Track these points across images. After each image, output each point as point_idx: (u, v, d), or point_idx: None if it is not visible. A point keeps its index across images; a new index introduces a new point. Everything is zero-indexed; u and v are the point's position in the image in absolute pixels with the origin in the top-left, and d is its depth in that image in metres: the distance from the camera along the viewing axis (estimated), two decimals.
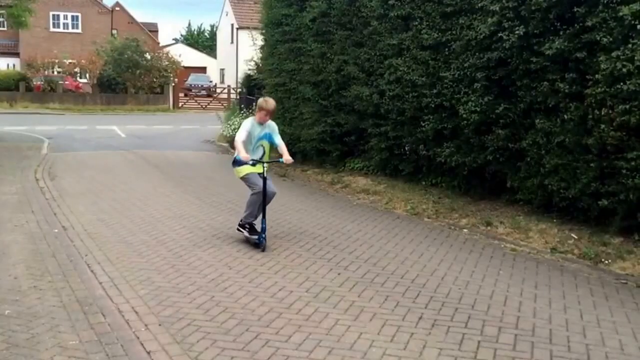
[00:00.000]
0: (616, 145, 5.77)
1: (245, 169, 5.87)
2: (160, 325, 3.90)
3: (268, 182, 5.82)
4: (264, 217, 5.75)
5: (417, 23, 8.18)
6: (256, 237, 5.76)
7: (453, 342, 3.73)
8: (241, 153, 5.61)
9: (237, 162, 5.88)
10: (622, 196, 5.69)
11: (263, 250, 5.58)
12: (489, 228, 6.75)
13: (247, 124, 5.89)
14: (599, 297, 4.63)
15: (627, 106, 5.53)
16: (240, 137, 5.76)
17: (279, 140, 6.03)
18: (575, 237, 6.08)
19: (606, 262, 5.48)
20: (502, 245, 6.16)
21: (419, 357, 3.52)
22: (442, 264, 5.42)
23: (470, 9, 7.34)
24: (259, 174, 5.84)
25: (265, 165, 5.82)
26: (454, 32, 7.62)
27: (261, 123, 5.90)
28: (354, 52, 9.47)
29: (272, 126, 6.03)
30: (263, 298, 4.43)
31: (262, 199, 5.76)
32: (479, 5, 7.08)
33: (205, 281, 4.79)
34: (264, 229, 5.71)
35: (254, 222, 5.93)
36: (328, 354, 3.52)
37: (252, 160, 5.70)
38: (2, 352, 3.43)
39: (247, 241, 5.94)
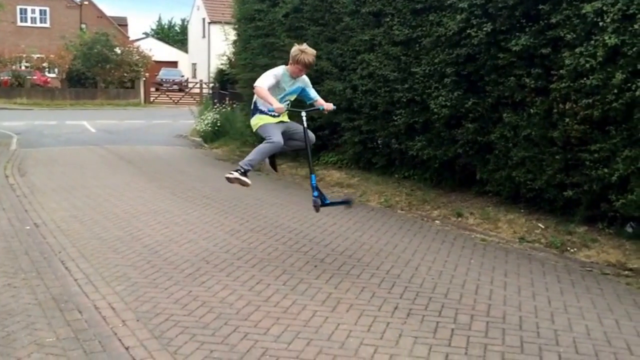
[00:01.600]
0: (580, 138, 5.98)
1: (265, 119, 5.10)
2: (137, 320, 3.91)
3: (307, 131, 5.18)
4: (312, 172, 5.16)
5: (388, 19, 8.28)
6: (247, 180, 5.26)
7: (428, 331, 3.85)
8: (270, 100, 4.79)
9: (258, 110, 5.13)
10: (586, 187, 5.91)
11: (317, 211, 5.22)
12: (459, 219, 6.92)
13: (278, 70, 5.01)
14: (565, 284, 4.81)
15: (590, 100, 5.73)
16: (264, 82, 4.88)
17: (314, 94, 5.29)
18: (542, 226, 6.28)
19: (572, 250, 5.69)
20: (473, 236, 6.33)
21: (395, 345, 3.63)
22: (415, 254, 5.55)
23: (439, 6, 7.47)
24: (281, 122, 5.14)
25: (304, 113, 5.11)
26: (424, 28, 7.74)
27: (294, 77, 5.07)
28: (326, 47, 9.52)
29: (305, 80, 5.22)
30: (241, 291, 4.48)
31: (307, 149, 5.11)
32: (448, 2, 7.22)
33: (182, 276, 4.81)
34: (315, 187, 5.10)
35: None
36: (306, 345, 3.60)
37: (274, 111, 4.91)
38: None
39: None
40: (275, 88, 4.98)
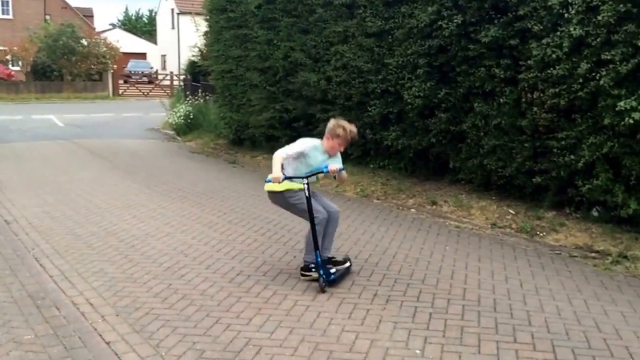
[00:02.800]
0: (547, 126, 6.16)
1: (285, 184, 4.41)
2: (117, 315, 3.91)
3: (323, 200, 4.63)
4: (317, 248, 4.43)
5: (361, 11, 8.33)
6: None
7: (406, 316, 3.95)
8: (275, 167, 4.24)
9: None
10: (554, 173, 6.10)
11: (323, 291, 4.32)
12: (434, 207, 7.06)
13: (306, 145, 4.43)
14: (536, 268, 4.98)
15: (557, 90, 5.91)
16: (283, 151, 4.35)
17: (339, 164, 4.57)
18: (513, 212, 6.47)
19: (541, 234, 5.88)
20: (447, 223, 6.47)
21: (376, 331, 3.72)
22: (392, 242, 5.65)
23: None
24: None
25: (305, 181, 4.36)
26: (396, 20, 7.82)
27: (330, 153, 4.51)
28: (300, 39, 9.53)
29: (339, 156, 4.61)
30: (221, 283, 4.51)
31: (311, 221, 4.41)
32: None
33: (161, 270, 4.81)
34: (320, 264, 4.39)
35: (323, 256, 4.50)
36: (289, 334, 3.66)
37: (285, 177, 4.33)
38: None
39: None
40: (302, 160, 4.42)
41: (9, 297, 4.19)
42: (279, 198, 4.55)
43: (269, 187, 4.49)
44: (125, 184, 8.54)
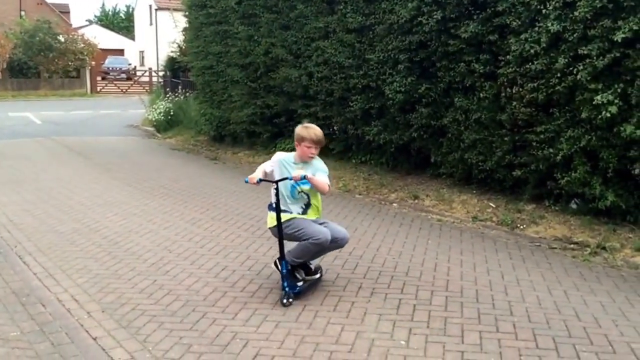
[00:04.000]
0: (526, 120, 6.27)
1: (270, 219, 4.20)
2: (103, 311, 3.90)
3: (332, 225, 4.27)
4: (283, 257, 4.11)
5: (341, 7, 8.36)
6: (317, 275, 4.38)
7: (391, 308, 4.01)
8: (255, 173, 4.12)
9: (272, 207, 4.15)
10: (533, 166, 6.21)
11: (288, 305, 4.01)
12: (416, 201, 7.15)
13: (274, 159, 4.22)
14: (516, 260, 5.08)
15: (535, 84, 6.01)
16: (257, 172, 4.17)
17: (323, 177, 4.11)
18: (493, 205, 6.58)
19: (521, 227, 5.99)
20: (429, 217, 6.55)
21: (361, 323, 3.76)
22: (375, 236, 5.71)
23: None
24: (285, 178, 4.09)
25: (275, 186, 4.08)
26: (377, 16, 7.87)
27: (304, 161, 4.14)
28: (281, 34, 9.53)
29: (319, 165, 4.17)
30: (206, 279, 4.51)
31: (278, 226, 4.07)
32: None
33: (145, 266, 4.80)
34: (286, 275, 4.07)
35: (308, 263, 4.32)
36: (275, 327, 3.68)
37: (261, 179, 4.08)
38: None
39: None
40: (281, 182, 4.10)
41: None
42: (280, 231, 4.09)
43: (268, 223, 4.24)
44: (105, 181, 8.46)
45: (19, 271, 4.65)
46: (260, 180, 4.07)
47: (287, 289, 4.06)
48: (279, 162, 4.18)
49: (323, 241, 4.05)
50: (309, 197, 4.19)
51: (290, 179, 4.04)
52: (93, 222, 6.13)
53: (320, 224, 4.20)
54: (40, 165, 9.88)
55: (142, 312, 3.89)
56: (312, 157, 4.14)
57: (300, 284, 4.21)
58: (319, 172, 4.12)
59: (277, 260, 4.21)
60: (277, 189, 4.09)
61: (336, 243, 4.22)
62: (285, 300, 4.02)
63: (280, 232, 4.08)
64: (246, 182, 4.10)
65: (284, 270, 4.07)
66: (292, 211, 4.16)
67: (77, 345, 3.42)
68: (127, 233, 5.74)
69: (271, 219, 4.15)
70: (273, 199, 4.10)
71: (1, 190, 7.73)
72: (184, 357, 3.30)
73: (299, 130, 4.14)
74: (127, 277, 4.55)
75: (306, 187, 4.13)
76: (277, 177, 4.12)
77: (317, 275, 4.41)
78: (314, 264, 4.42)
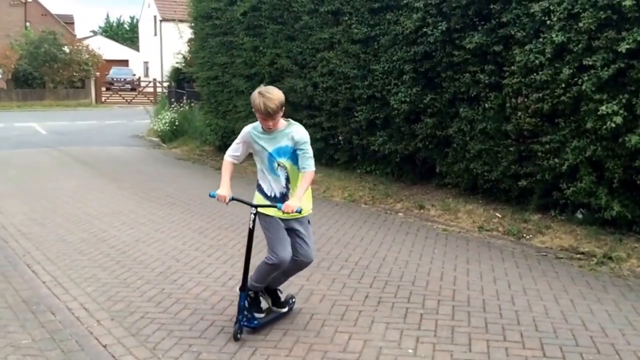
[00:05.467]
0: (532, 130, 6.31)
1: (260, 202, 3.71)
2: (112, 319, 3.92)
3: (304, 242, 3.73)
4: (244, 288, 3.65)
5: (347, 18, 8.45)
6: (284, 309, 3.93)
7: (398, 316, 4.02)
8: (222, 179, 3.67)
9: (257, 186, 3.78)
10: (539, 176, 6.24)
11: (236, 339, 3.57)
12: (421, 211, 7.16)
13: (243, 132, 3.68)
14: (523, 269, 5.09)
15: (540, 94, 6.05)
16: (229, 152, 3.76)
17: (302, 161, 3.55)
18: (499, 215, 6.59)
19: (527, 237, 6.00)
20: (435, 227, 6.57)
21: (369, 331, 3.78)
22: (382, 246, 5.73)
23: (396, 5, 7.70)
24: (272, 205, 3.61)
25: (254, 211, 3.61)
26: (382, 27, 7.96)
27: (269, 133, 3.56)
28: (286, 45, 9.61)
29: (295, 136, 3.55)
30: (214, 287, 4.53)
31: (247, 253, 3.67)
32: (404, 1, 7.46)
33: (153, 275, 4.83)
34: (241, 307, 3.60)
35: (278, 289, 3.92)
36: (283, 335, 3.70)
37: (234, 198, 3.63)
38: None
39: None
40: (257, 156, 3.68)
41: (3, 302, 4.17)
42: (250, 238, 3.69)
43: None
44: (112, 191, 8.51)
45: (28, 280, 4.68)
46: (233, 199, 3.62)
47: (242, 321, 3.58)
48: (249, 136, 3.64)
49: (275, 263, 3.56)
50: (286, 173, 3.65)
51: (280, 208, 3.48)
52: (101, 232, 6.17)
53: (297, 232, 3.67)
54: (47, 175, 9.95)
55: (151, 320, 3.92)
56: (273, 129, 3.52)
57: (261, 316, 3.73)
58: (303, 149, 3.52)
59: (259, 282, 3.74)
60: (261, 189, 3.70)
61: (295, 263, 3.72)
62: (238, 335, 3.56)
63: (251, 239, 3.62)
64: (212, 196, 3.62)
65: (242, 303, 3.57)
66: (275, 194, 3.65)
67: (87, 352, 3.44)
68: (135, 242, 5.77)
69: (257, 202, 3.72)
70: (283, 182, 3.66)
71: (9, 200, 7.78)
72: None
73: (252, 96, 3.46)
74: (136, 285, 4.57)
75: (286, 161, 3.60)
76: (257, 146, 3.60)
77: (284, 309, 3.90)
78: (285, 293, 3.99)
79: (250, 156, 3.81)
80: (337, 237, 6.01)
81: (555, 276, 4.92)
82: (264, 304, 3.86)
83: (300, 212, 3.51)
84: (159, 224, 6.55)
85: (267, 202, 3.67)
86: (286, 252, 3.60)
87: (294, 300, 4.09)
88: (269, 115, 3.44)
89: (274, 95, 3.43)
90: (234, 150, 3.75)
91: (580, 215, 6.09)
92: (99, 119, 22.54)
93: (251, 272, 3.72)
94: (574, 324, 3.92)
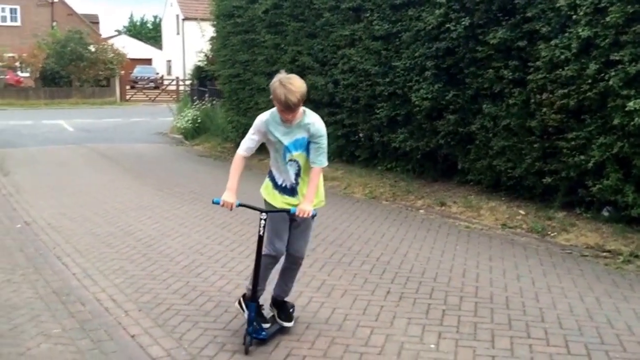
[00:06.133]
0: (557, 126, 6.24)
1: (270, 194, 3.56)
2: (140, 310, 4.01)
3: (299, 237, 3.58)
4: (254, 298, 3.49)
5: (368, 15, 8.45)
6: (267, 325, 3.57)
7: (420, 312, 4.03)
8: (230, 180, 3.42)
9: (269, 174, 3.61)
10: (564, 174, 6.17)
11: (246, 353, 3.36)
12: (443, 208, 7.14)
13: (261, 119, 3.42)
14: (547, 267, 5.04)
15: (566, 90, 5.99)
16: (240, 146, 3.50)
17: (314, 156, 3.40)
18: (523, 213, 6.54)
19: (552, 234, 5.94)
20: (457, 224, 6.54)
21: (390, 326, 3.80)
22: (403, 242, 5.74)
23: (418, 1, 7.68)
24: (284, 211, 3.44)
25: (264, 216, 3.38)
26: (403, 23, 7.94)
27: (288, 124, 3.35)
28: (307, 42, 9.65)
29: (314, 127, 3.37)
30: (237, 281, 4.60)
31: (256, 264, 3.45)
32: None
33: (178, 268, 4.91)
34: (251, 318, 3.41)
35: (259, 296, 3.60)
36: (306, 329, 3.74)
37: (240, 204, 3.43)
38: None
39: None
40: (271, 146, 3.46)
41: (35, 293, 4.30)
42: (260, 243, 3.45)
43: (263, 194, 3.61)
44: (137, 187, 8.67)
45: (58, 271, 4.81)
46: (240, 205, 3.40)
47: (252, 334, 3.40)
48: (265, 126, 3.38)
49: (272, 254, 3.45)
50: (299, 165, 3.46)
51: (293, 213, 3.35)
52: (127, 226, 6.30)
53: (298, 225, 3.51)
54: (74, 171, 10.17)
55: (176, 311, 4.00)
56: (291, 120, 3.31)
57: (267, 326, 3.54)
58: (317, 143, 3.36)
59: (242, 298, 3.61)
60: (272, 177, 3.53)
61: (288, 259, 3.61)
62: (249, 348, 3.37)
63: (260, 245, 3.39)
64: (216, 203, 3.41)
65: (252, 314, 3.38)
66: (285, 184, 3.48)
67: (116, 342, 3.53)
68: (160, 236, 5.88)
69: (266, 189, 3.57)
70: (292, 176, 3.46)
71: (39, 194, 7.98)
72: (218, 355, 3.38)
73: (273, 85, 3.20)
74: (162, 278, 4.66)
75: (300, 155, 3.42)
76: (273, 137, 3.39)
77: (290, 324, 3.65)
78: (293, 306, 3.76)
79: (269, 152, 3.59)
80: (358, 234, 6.03)
81: (580, 274, 4.87)
82: (267, 312, 3.66)
83: (315, 217, 3.40)
84: (183, 218, 6.66)
85: (276, 192, 3.51)
86: (283, 245, 3.52)
87: (293, 309, 3.81)
88: (289, 109, 3.23)
89: (297, 86, 3.19)
90: (249, 143, 3.45)
91: (606, 213, 6.01)
92: (123, 116, 22.90)
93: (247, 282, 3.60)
94: (599, 322, 3.89)
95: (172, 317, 3.90)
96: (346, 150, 9.53)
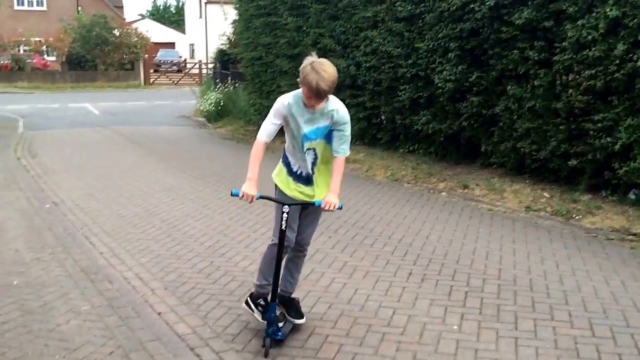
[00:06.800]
0: (583, 108, 6.13)
1: (283, 180, 3.35)
2: (165, 289, 4.10)
3: (308, 225, 3.40)
4: (274, 299, 3.28)
5: None
6: (281, 324, 3.36)
7: (442, 294, 4.04)
8: (248, 172, 3.15)
9: (283, 159, 3.39)
10: (590, 156, 6.07)
11: (266, 356, 3.16)
12: (466, 191, 7.10)
13: (283, 101, 3.16)
14: (572, 250, 4.99)
15: (593, 71, 5.86)
16: (262, 133, 3.18)
17: (338, 145, 3.19)
18: (547, 195, 6.46)
19: (577, 217, 5.87)
20: (479, 206, 6.50)
21: (412, 307, 3.82)
22: (425, 224, 5.73)
23: None
24: (309, 203, 3.26)
25: (286, 209, 3.16)
26: (427, 4, 7.82)
27: (311, 109, 3.10)
28: (329, 25, 9.59)
29: (338, 114, 3.15)
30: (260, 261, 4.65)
31: (278, 260, 3.23)
32: None
33: (202, 248, 5.00)
34: (272, 319, 3.21)
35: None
36: (328, 308, 3.79)
37: (261, 196, 3.19)
38: (18, 319, 3.59)
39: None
40: (290, 130, 3.21)
41: (64, 271, 4.43)
42: (281, 241, 3.24)
43: (275, 179, 3.40)
44: (162, 169, 8.79)
45: (86, 250, 4.94)
46: (261, 197, 3.18)
47: (272, 335, 3.19)
48: (286, 110, 3.14)
49: (275, 244, 3.27)
50: (316, 154, 3.24)
51: (319, 205, 3.15)
52: (152, 207, 6.41)
53: (307, 215, 3.33)
54: (100, 153, 10.36)
55: (201, 290, 4.08)
56: (315, 106, 3.07)
57: (281, 324, 3.34)
58: (341, 131, 3.16)
59: (255, 299, 3.43)
60: (288, 162, 3.31)
61: (296, 249, 3.42)
62: (266, 351, 3.17)
63: (282, 240, 3.16)
64: (235, 195, 3.15)
65: (273, 314, 3.20)
66: (301, 172, 3.28)
67: (142, 319, 3.62)
68: (184, 217, 5.97)
69: (279, 175, 3.35)
70: (309, 165, 3.25)
71: (66, 176, 8.15)
72: (242, 332, 3.45)
73: (305, 69, 2.97)
74: (186, 258, 4.75)
75: (319, 144, 3.21)
76: (293, 123, 3.16)
77: (302, 320, 3.44)
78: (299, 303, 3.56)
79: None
80: (379, 216, 6.04)
81: (605, 257, 4.81)
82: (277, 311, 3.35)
83: (341, 208, 3.20)
84: (207, 200, 6.75)
85: (290, 179, 3.29)
86: (294, 235, 3.32)
87: (299, 304, 3.62)
88: (318, 96, 2.99)
89: (329, 73, 2.96)
90: (271, 128, 3.17)
91: (632, 196, 5.91)
92: (147, 99, 23.13)
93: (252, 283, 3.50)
94: (624, 305, 3.85)
95: (197, 296, 3.98)
96: (368, 133, 9.51)
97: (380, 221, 5.84)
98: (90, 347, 3.23)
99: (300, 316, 3.46)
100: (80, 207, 6.39)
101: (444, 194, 7.12)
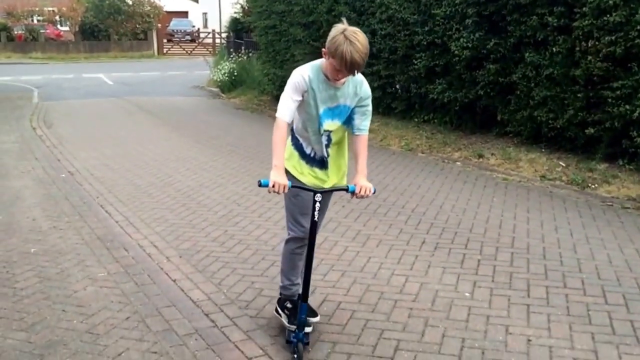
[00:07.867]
0: (602, 75, 5.99)
1: (293, 167, 2.93)
2: (180, 257, 4.16)
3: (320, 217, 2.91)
4: (305, 299, 2.87)
5: None
6: (317, 317, 3.12)
7: (455, 262, 4.05)
8: (274, 159, 2.69)
9: (292, 140, 2.98)
10: (608, 124, 5.96)
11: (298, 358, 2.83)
12: (480, 160, 7.03)
13: (303, 74, 2.73)
14: (587, 219, 4.95)
15: (613, 37, 5.71)
16: (283, 111, 2.73)
17: (359, 122, 2.85)
18: (563, 164, 6.38)
19: (593, 186, 5.80)
20: (494, 176, 6.45)
21: (425, 275, 3.84)
22: (439, 194, 5.71)
23: None
24: (342, 189, 2.86)
25: (319, 198, 2.77)
26: None
27: (334, 84, 2.73)
28: None
29: (363, 88, 2.82)
30: (274, 230, 4.69)
31: (309, 253, 2.83)
32: None
33: (216, 217, 5.04)
34: (303, 321, 2.86)
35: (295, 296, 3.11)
36: (341, 276, 3.82)
37: (293, 185, 2.74)
38: (36, 285, 3.67)
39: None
40: (304, 109, 2.80)
41: (80, 239, 4.50)
42: (313, 231, 2.83)
43: (290, 170, 2.91)
44: (176, 139, 8.82)
45: (102, 219, 5.01)
46: (293, 186, 2.75)
47: (303, 339, 2.88)
48: (306, 85, 2.72)
49: (300, 236, 2.95)
50: (330, 137, 2.91)
51: (352, 191, 2.78)
52: (167, 177, 6.46)
53: (320, 204, 2.80)
54: (114, 123, 10.42)
55: (215, 258, 4.13)
56: (340, 80, 2.71)
57: (309, 329, 2.99)
58: (364, 108, 2.83)
59: (282, 303, 3.13)
60: (299, 145, 2.94)
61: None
62: (299, 357, 2.82)
63: (314, 231, 2.79)
64: (264, 185, 2.67)
65: (304, 316, 2.85)
66: (315, 154, 2.92)
67: (158, 285, 3.69)
68: (199, 187, 6.02)
69: (291, 159, 2.94)
70: (323, 147, 2.91)
71: (82, 146, 8.23)
72: (256, 299, 3.50)
73: (337, 39, 2.55)
74: (201, 226, 4.80)
75: (335, 125, 2.85)
76: (312, 100, 2.75)
77: (317, 318, 3.12)
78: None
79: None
80: (393, 185, 6.02)
81: (620, 226, 4.77)
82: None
83: (375, 193, 2.87)
84: (220, 170, 6.78)
85: (303, 162, 2.93)
86: (308, 225, 2.87)
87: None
88: (351, 70, 2.58)
89: (363, 44, 2.55)
90: (291, 105, 2.73)
91: None
92: (161, 70, 23.09)
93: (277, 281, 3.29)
94: (638, 273, 3.82)
95: (211, 264, 4.03)
96: (382, 102, 9.41)
97: (394, 191, 5.82)
98: (107, 313, 3.31)
99: (315, 314, 3.15)
100: (95, 176, 6.46)
101: (458, 163, 7.07)
